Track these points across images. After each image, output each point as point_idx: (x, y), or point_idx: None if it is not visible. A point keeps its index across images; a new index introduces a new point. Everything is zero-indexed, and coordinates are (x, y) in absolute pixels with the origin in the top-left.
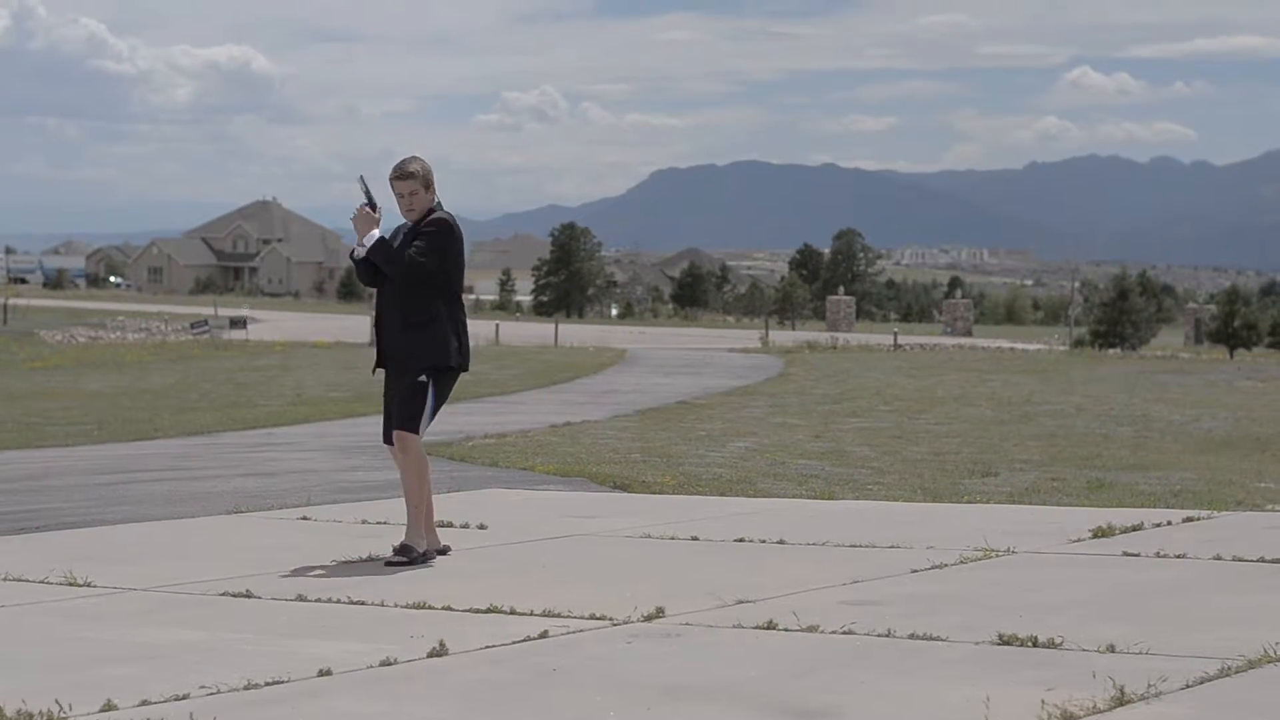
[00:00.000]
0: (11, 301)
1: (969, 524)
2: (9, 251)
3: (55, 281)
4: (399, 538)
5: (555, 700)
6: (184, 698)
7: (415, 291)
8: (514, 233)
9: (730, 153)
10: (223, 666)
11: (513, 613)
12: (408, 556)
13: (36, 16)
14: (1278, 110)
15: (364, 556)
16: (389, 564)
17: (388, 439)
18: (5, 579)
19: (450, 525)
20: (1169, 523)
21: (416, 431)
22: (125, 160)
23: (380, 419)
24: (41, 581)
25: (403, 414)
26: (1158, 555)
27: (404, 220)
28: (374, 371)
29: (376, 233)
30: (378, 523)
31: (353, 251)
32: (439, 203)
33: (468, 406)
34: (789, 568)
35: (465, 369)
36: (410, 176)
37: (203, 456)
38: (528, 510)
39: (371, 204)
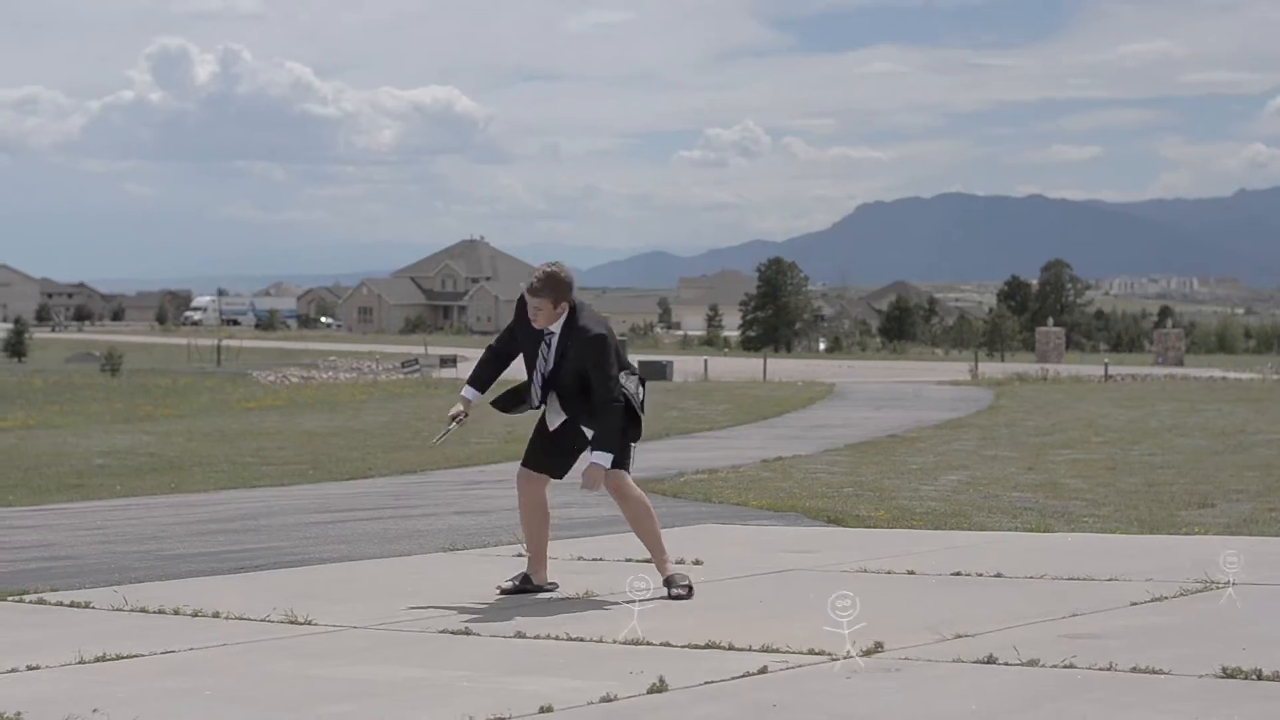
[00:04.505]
0: (225, 343)
1: (1187, 556)
2: (222, 294)
3: (267, 323)
4: (612, 573)
5: None
6: None
7: None
8: (720, 268)
9: (935, 185)
10: (444, 704)
11: (731, 648)
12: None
13: (243, 62)
14: None
15: (581, 593)
16: (674, 598)
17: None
18: (228, 618)
19: None
20: None
21: None
22: (332, 202)
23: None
24: (263, 620)
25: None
26: None
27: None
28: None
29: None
30: (593, 559)
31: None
32: (578, 303)
33: (679, 442)
34: (1007, 601)
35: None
36: (535, 294)
37: (416, 495)
38: (742, 545)
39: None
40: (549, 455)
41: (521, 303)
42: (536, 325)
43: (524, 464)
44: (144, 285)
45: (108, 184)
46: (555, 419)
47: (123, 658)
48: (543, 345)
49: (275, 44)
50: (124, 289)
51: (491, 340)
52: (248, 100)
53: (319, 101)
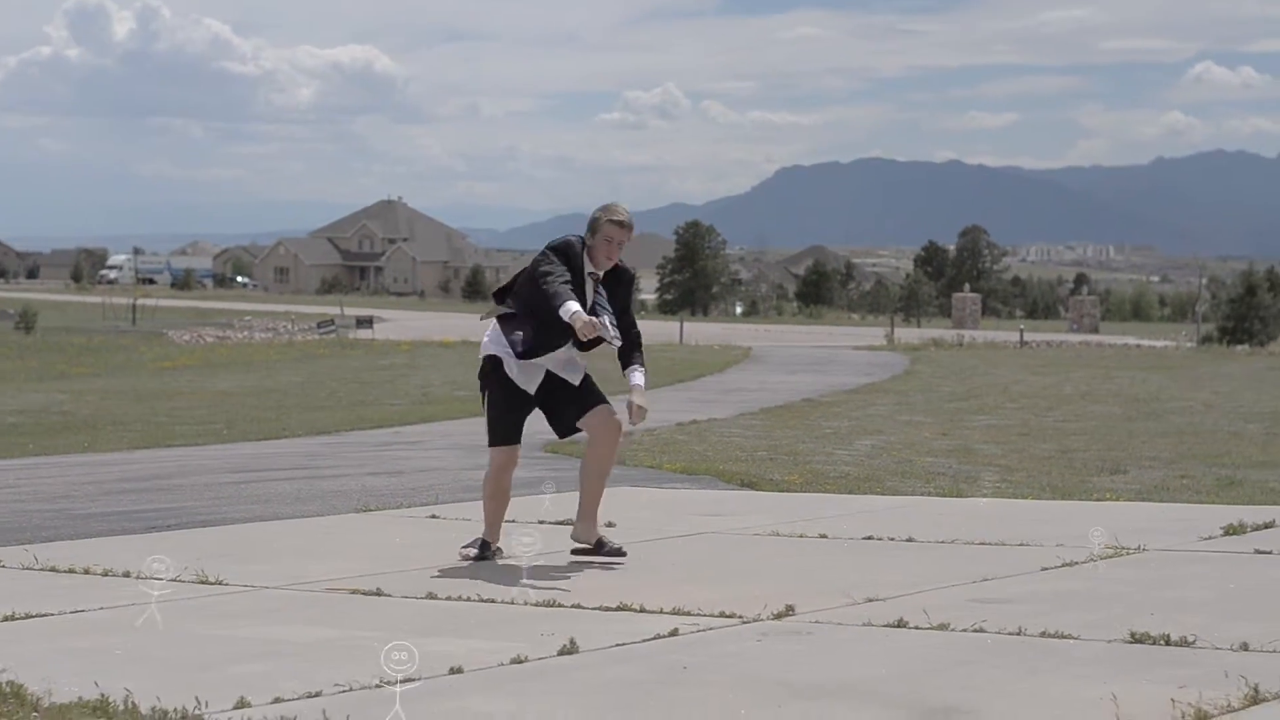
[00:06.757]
0: (140, 302)
1: (1098, 522)
2: (137, 252)
3: (183, 282)
4: (526, 535)
5: (686, 698)
6: (316, 695)
7: None
8: (638, 231)
9: (855, 149)
10: (355, 664)
11: (643, 610)
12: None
13: (161, 18)
14: None
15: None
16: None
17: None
18: (139, 577)
19: None
20: None
21: None
22: (250, 160)
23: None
24: (174, 580)
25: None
26: None
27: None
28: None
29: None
30: (506, 520)
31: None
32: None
33: None
34: (918, 566)
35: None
36: (630, 229)
37: (330, 455)
38: (655, 508)
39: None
40: (558, 416)
41: (581, 244)
42: (611, 263)
43: (506, 442)
44: (59, 243)
45: (24, 140)
46: (537, 378)
47: (32, 616)
48: (590, 286)
49: (193, 1)
50: (39, 246)
51: (551, 278)
52: (166, 57)
53: (238, 59)
